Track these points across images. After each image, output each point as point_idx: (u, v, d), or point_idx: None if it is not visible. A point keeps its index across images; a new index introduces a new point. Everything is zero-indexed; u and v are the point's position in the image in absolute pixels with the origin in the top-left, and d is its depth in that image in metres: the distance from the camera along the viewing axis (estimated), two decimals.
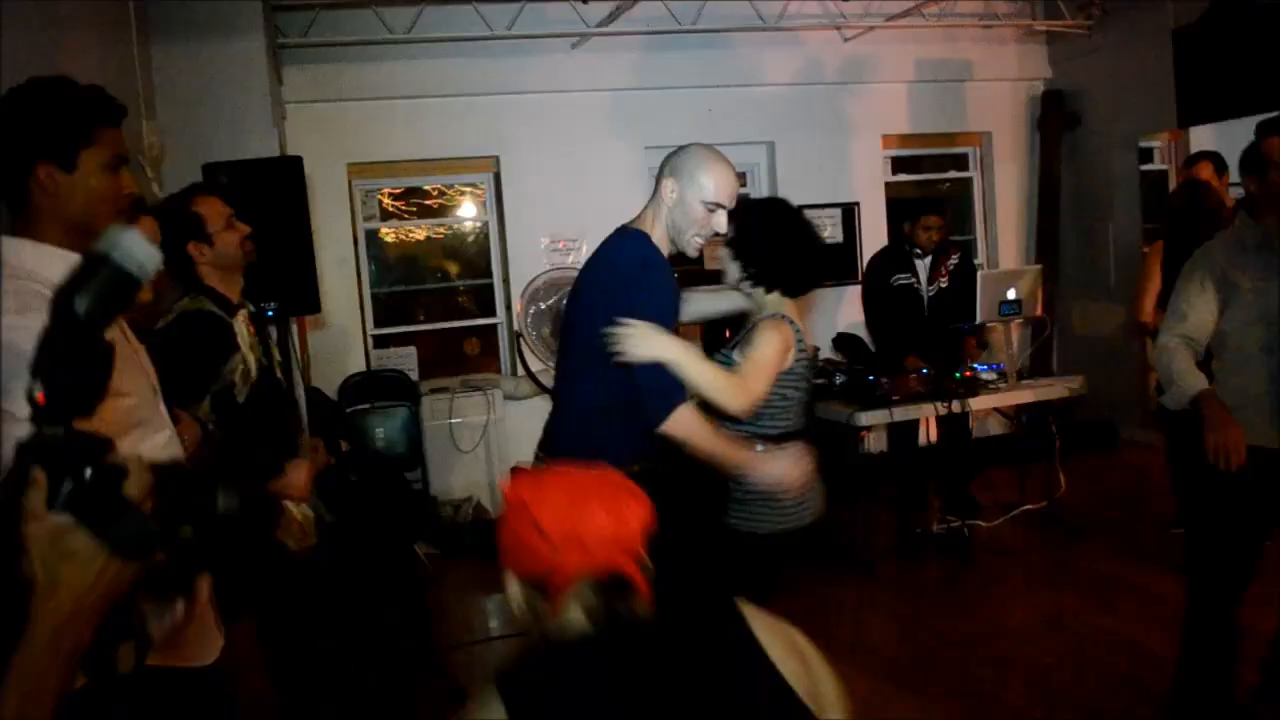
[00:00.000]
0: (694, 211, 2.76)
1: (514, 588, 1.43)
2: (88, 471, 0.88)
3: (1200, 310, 3.07)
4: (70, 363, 0.89)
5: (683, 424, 2.59)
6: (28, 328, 1.66)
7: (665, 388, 2.58)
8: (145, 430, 1.87)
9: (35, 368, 0.89)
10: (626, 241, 2.81)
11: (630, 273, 2.69)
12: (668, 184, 2.82)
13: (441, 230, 7.34)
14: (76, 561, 0.88)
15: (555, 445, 2.79)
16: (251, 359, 2.88)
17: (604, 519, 1.39)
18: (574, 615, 1.35)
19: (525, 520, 1.39)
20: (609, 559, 1.38)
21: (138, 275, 0.95)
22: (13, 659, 0.86)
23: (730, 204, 2.80)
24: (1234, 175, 4.92)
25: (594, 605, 1.36)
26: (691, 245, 2.81)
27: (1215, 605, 3.10)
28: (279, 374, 3.01)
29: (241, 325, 2.91)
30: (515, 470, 1.69)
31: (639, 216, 2.88)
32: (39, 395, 0.88)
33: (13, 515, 0.87)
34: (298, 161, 4.29)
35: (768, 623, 1.39)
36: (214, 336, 2.82)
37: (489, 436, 6.41)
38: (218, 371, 2.76)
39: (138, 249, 0.95)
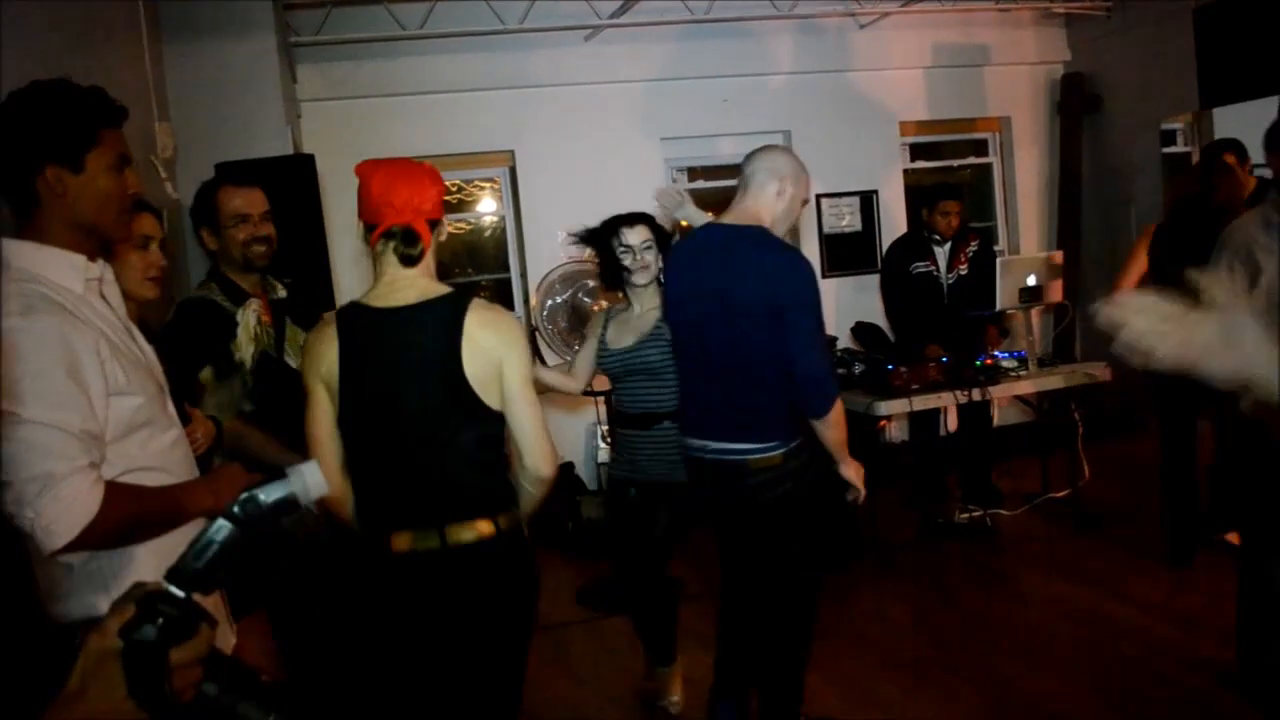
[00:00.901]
0: (795, 209, 3.09)
1: (360, 228, 2.36)
2: (158, 632, 0.95)
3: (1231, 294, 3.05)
4: (224, 560, 1.00)
5: (837, 414, 2.97)
6: (29, 329, 1.67)
7: (830, 381, 2.96)
8: (152, 430, 1.87)
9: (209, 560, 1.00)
10: (788, 249, 3.05)
11: (811, 277, 2.97)
12: (776, 184, 3.04)
13: (461, 226, 7.34)
14: (105, 685, 0.94)
15: (765, 434, 2.97)
16: (250, 349, 2.89)
17: (407, 191, 2.30)
18: (386, 248, 2.30)
19: (364, 188, 2.33)
20: (407, 217, 2.29)
21: (302, 505, 1.06)
22: None
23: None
24: (1256, 157, 4.86)
25: (397, 244, 2.29)
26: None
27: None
28: (294, 362, 3.00)
29: (249, 314, 2.91)
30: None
31: (753, 214, 3.05)
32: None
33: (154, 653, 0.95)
34: (310, 160, 4.30)
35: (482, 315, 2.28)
36: (205, 324, 2.86)
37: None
38: (201, 359, 2.80)
39: (314, 482, 1.05)
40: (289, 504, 1.03)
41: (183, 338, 2.81)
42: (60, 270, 1.80)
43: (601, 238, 3.52)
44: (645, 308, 3.52)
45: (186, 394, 2.42)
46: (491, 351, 2.25)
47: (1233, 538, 4.53)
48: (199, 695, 0.99)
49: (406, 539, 2.24)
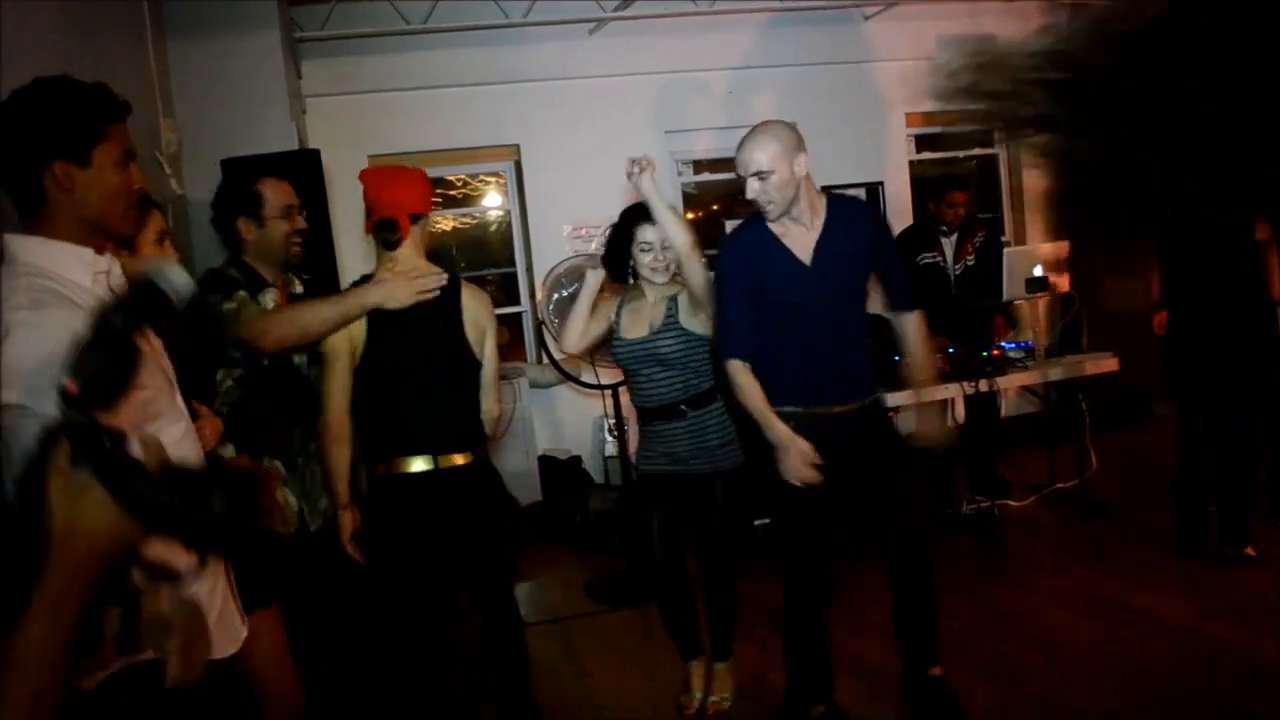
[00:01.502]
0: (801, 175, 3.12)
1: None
2: (107, 442, 1.00)
3: None
4: (101, 364, 1.03)
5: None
6: (40, 324, 1.68)
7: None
8: (161, 423, 1.88)
9: (70, 364, 1.02)
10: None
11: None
12: (802, 158, 3.11)
13: (467, 220, 7.34)
14: (91, 513, 0.97)
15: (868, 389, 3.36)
16: None
17: (390, 192, 2.93)
18: (381, 235, 2.94)
19: (364, 191, 2.96)
20: (391, 212, 2.91)
21: (176, 302, 1.13)
22: (35, 595, 0.96)
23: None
24: None
25: (383, 233, 2.93)
26: None
27: None
28: (295, 357, 2.99)
29: (269, 299, 2.92)
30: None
31: (804, 183, 3.13)
32: (71, 386, 1.00)
33: (39, 479, 0.98)
34: (316, 155, 4.30)
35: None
36: (218, 290, 2.85)
37: (515, 425, 6.41)
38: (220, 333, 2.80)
39: (178, 279, 1.13)
40: (155, 292, 1.11)
41: (219, 280, 2.88)
42: (68, 264, 1.80)
43: (620, 230, 3.46)
44: (658, 297, 3.44)
45: (198, 391, 2.42)
46: (478, 316, 3.02)
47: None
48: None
49: (412, 463, 2.92)
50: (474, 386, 3.03)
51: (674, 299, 3.40)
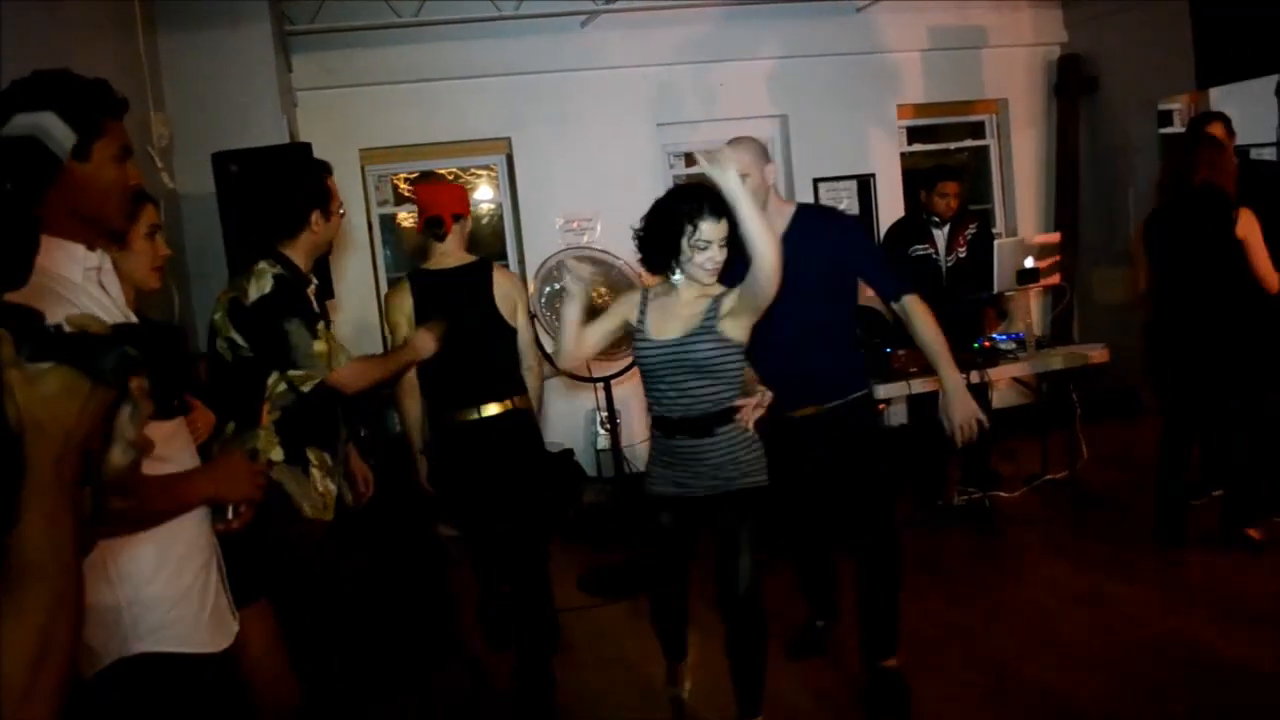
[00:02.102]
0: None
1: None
2: (37, 322, 0.95)
3: None
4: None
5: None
6: None
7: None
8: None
9: None
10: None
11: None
12: (770, 168, 3.33)
13: None
14: (58, 399, 0.93)
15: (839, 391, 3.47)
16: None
17: (434, 197, 3.73)
18: (430, 230, 3.67)
19: (419, 197, 3.83)
20: (436, 211, 3.65)
21: (58, 153, 1.02)
22: (25, 498, 0.92)
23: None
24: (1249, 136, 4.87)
25: (432, 229, 3.66)
26: None
27: None
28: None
29: (310, 296, 3.01)
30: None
31: (770, 192, 3.35)
32: None
33: None
34: (306, 148, 4.29)
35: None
36: (306, 302, 2.98)
37: None
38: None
39: (55, 129, 1.02)
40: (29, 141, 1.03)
41: (302, 298, 2.98)
42: (58, 260, 1.80)
43: (671, 217, 2.95)
44: (696, 295, 3.00)
45: (186, 384, 2.43)
46: (509, 293, 3.71)
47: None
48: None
49: (466, 413, 3.63)
50: (508, 350, 3.71)
51: (717, 300, 2.95)
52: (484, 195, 7.25)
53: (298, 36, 6.14)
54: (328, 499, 2.98)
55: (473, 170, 7.23)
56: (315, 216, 3.03)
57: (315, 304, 3.01)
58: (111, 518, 1.10)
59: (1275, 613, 3.92)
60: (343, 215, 3.19)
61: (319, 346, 2.91)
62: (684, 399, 2.98)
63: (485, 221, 7.32)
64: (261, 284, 2.90)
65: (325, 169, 3.17)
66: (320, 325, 2.96)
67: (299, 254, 3.03)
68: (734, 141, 3.29)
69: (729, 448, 3.00)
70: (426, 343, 3.33)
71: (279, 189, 3.08)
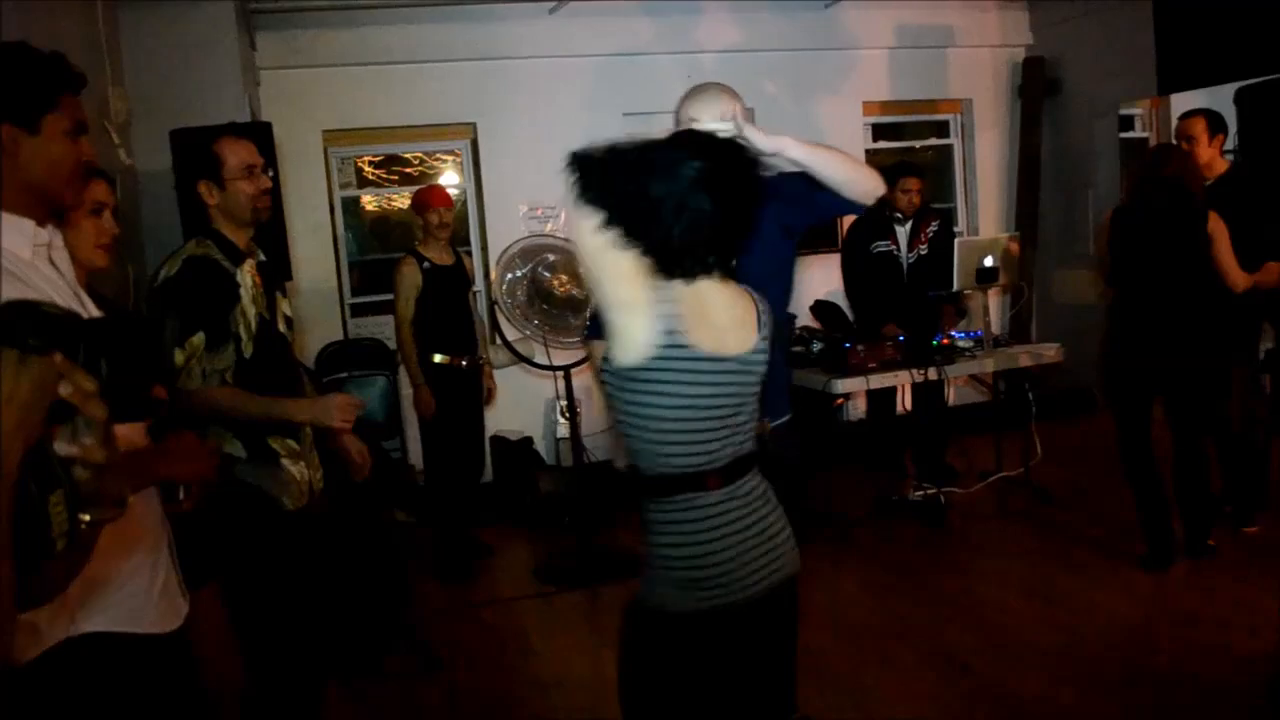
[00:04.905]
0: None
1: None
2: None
3: None
4: None
5: None
6: None
7: None
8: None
9: None
10: None
11: None
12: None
13: None
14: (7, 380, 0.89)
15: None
16: (252, 311, 2.82)
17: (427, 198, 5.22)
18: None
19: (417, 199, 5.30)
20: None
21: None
22: None
23: (723, 125, 2.50)
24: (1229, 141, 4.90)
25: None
26: None
27: None
28: (281, 328, 2.96)
29: (246, 275, 2.84)
30: None
31: None
32: None
33: None
34: (267, 127, 4.23)
35: None
36: (214, 286, 2.77)
37: None
38: (199, 324, 2.71)
39: None
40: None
41: (194, 297, 2.75)
42: (8, 235, 1.76)
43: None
44: (734, 289, 2.06)
45: (157, 373, 2.39)
46: (470, 272, 5.30)
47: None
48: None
49: (443, 359, 5.07)
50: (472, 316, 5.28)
51: (755, 294, 2.09)
52: (448, 180, 7.20)
53: (263, 14, 6.06)
54: (304, 485, 2.90)
55: (437, 155, 7.18)
56: (204, 188, 2.84)
57: (253, 281, 2.89)
58: (83, 536, 1.05)
59: (1220, 615, 3.99)
60: (261, 183, 2.90)
61: (177, 357, 2.71)
62: (725, 437, 1.98)
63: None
64: (172, 266, 2.78)
65: (216, 135, 2.94)
66: (197, 337, 2.72)
67: (225, 228, 2.87)
68: (720, 90, 2.83)
69: (774, 506, 2.08)
70: (326, 415, 2.84)
71: (174, 169, 2.96)
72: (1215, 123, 4.76)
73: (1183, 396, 4.44)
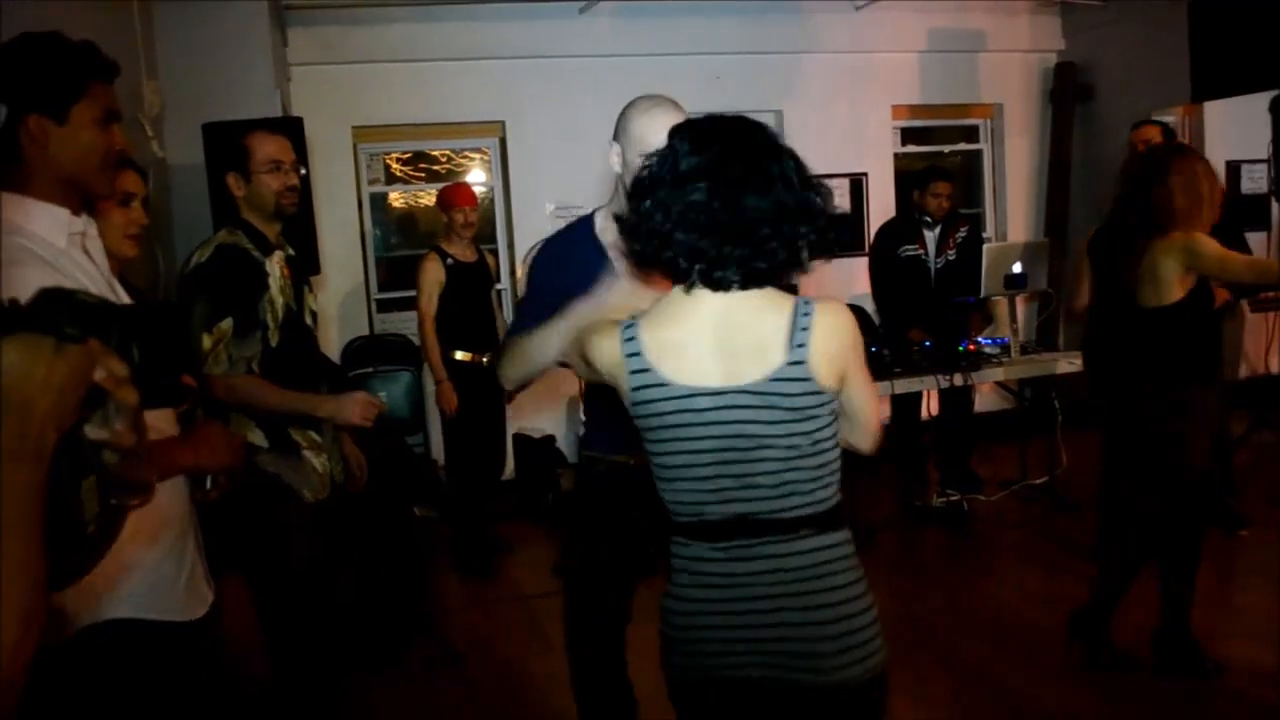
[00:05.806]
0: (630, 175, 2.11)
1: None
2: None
3: None
4: None
5: None
6: (11, 283, 1.67)
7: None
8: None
9: None
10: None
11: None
12: (613, 150, 2.47)
13: None
14: (15, 371, 0.87)
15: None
16: (280, 301, 2.85)
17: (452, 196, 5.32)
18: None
19: (441, 197, 5.42)
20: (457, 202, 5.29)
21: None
22: None
23: None
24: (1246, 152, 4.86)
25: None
26: None
27: None
28: (308, 321, 2.99)
29: (275, 266, 2.88)
30: None
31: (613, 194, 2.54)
32: None
33: None
34: (298, 122, 4.27)
35: None
36: (242, 273, 2.81)
37: None
38: (227, 310, 2.74)
39: None
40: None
41: (224, 283, 2.77)
42: (43, 223, 1.79)
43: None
44: (758, 304, 1.75)
45: (186, 362, 2.42)
46: (493, 270, 5.26)
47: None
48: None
49: (465, 356, 5.11)
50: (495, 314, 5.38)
51: (807, 306, 1.71)
52: (476, 178, 7.23)
53: (295, 10, 6.10)
54: (325, 478, 2.93)
55: (465, 153, 7.20)
56: (232, 179, 2.90)
57: (281, 272, 2.91)
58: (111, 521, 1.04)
59: (1235, 625, 3.94)
60: (287, 179, 2.91)
61: (205, 342, 2.73)
62: (736, 497, 1.72)
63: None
64: (203, 252, 2.82)
65: (248, 129, 3.00)
66: (225, 322, 2.74)
67: (253, 220, 2.91)
68: (667, 101, 2.57)
69: (827, 572, 1.83)
70: (349, 412, 2.85)
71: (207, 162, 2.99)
72: (1163, 133, 4.83)
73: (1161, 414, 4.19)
